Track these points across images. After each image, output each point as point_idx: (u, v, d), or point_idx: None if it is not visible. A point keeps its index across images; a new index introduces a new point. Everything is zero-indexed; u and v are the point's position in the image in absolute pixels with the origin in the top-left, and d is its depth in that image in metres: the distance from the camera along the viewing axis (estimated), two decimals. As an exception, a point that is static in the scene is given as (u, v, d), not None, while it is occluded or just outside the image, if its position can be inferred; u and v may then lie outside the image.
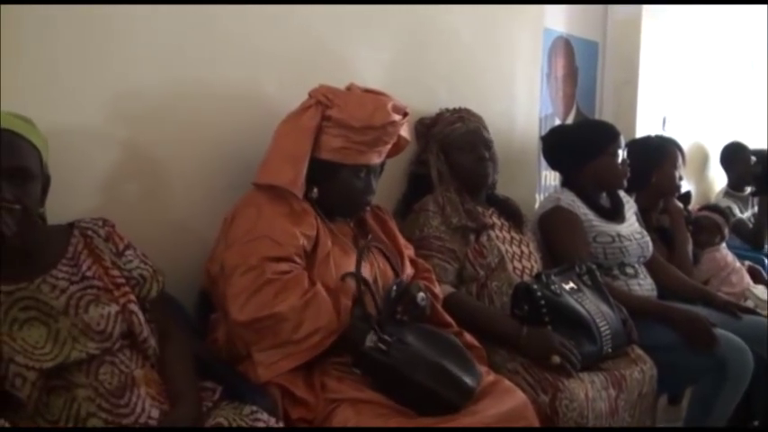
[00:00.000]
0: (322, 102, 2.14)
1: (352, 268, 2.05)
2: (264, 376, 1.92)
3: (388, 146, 2.21)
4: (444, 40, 3.01)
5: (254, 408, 1.77)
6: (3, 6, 1.84)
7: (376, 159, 2.19)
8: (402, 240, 2.37)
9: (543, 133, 3.32)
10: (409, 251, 2.38)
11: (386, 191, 2.63)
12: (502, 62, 3.31)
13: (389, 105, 2.14)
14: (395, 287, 2.06)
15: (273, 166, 2.12)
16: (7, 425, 1.49)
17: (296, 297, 1.94)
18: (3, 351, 1.57)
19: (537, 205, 3.32)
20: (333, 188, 2.16)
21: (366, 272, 2.08)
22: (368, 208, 2.30)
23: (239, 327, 1.94)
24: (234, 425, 1.70)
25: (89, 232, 1.82)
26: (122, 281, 1.79)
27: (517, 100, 3.41)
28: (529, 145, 3.52)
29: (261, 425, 1.73)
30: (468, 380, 1.94)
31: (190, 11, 2.20)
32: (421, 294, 2.09)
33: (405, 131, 2.29)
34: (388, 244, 2.29)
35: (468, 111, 2.83)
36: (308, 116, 2.13)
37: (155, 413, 1.69)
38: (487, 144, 2.75)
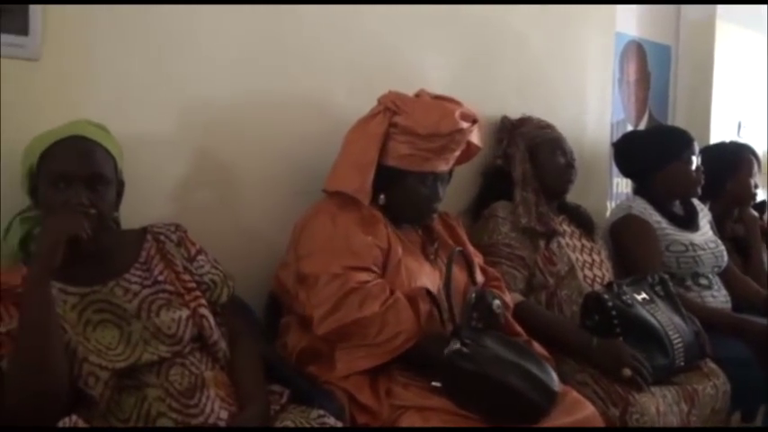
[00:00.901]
0: (390, 108, 2.14)
1: (423, 275, 2.05)
2: (342, 371, 1.95)
3: (456, 153, 2.20)
4: (513, 45, 2.98)
5: (322, 411, 1.78)
6: (79, 19, 1.91)
7: (443, 167, 2.17)
8: (471, 248, 2.35)
9: (615, 139, 3.27)
10: (478, 259, 2.35)
11: (458, 192, 2.62)
12: (572, 67, 3.27)
13: (457, 113, 2.12)
14: (474, 294, 2.03)
15: (341, 173, 2.13)
16: (81, 421, 1.52)
17: (378, 304, 1.95)
18: (77, 351, 1.62)
19: (608, 213, 3.27)
20: (399, 195, 2.15)
21: (438, 279, 2.07)
22: (435, 215, 2.28)
23: (324, 334, 1.97)
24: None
25: (162, 237, 1.86)
26: (193, 285, 1.82)
27: (588, 106, 3.36)
28: (600, 152, 3.46)
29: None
30: (550, 383, 1.92)
31: (260, 21, 2.23)
32: (497, 302, 2.07)
33: (476, 138, 2.26)
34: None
35: (550, 123, 2.82)
36: (376, 123, 2.14)
37: (224, 414, 1.71)
38: (572, 153, 2.74)
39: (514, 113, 2.85)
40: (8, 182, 1.79)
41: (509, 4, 2.91)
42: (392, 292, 1.99)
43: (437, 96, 2.22)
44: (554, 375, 1.99)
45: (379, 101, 2.19)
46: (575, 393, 2.04)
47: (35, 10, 1.85)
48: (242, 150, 2.22)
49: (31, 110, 1.85)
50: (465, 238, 2.37)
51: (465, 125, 2.13)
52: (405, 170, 2.13)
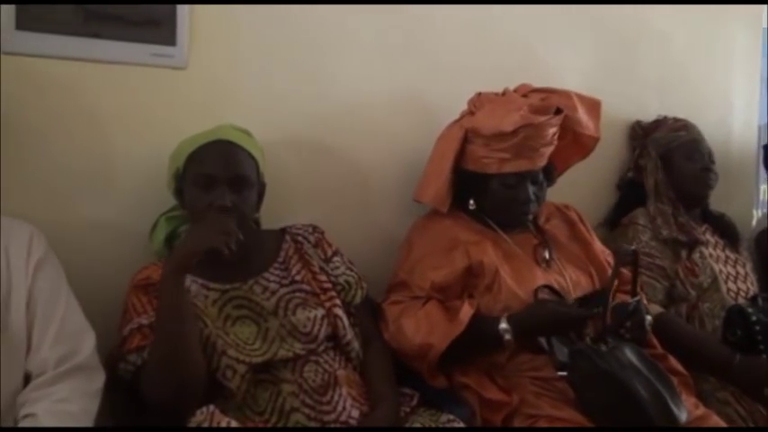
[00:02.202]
0: (471, 111, 2.11)
1: (535, 280, 1.98)
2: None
3: (544, 149, 2.04)
4: (654, 44, 2.86)
5: (452, 416, 1.78)
6: (224, 28, 2.01)
7: (527, 166, 2.02)
8: (598, 245, 2.23)
9: (763, 143, 3.09)
10: (606, 255, 2.22)
11: (594, 200, 2.57)
12: (717, 67, 3.11)
13: (526, 107, 2.00)
14: (633, 303, 1.96)
15: (423, 182, 2.13)
16: (217, 412, 1.58)
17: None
18: (216, 344, 1.69)
19: (754, 222, 3.10)
20: (485, 199, 2.08)
21: (555, 284, 2.01)
22: (531, 216, 2.13)
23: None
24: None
25: (299, 238, 1.92)
26: (329, 286, 1.86)
27: (734, 107, 3.19)
28: (747, 156, 3.28)
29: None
30: (678, 413, 1.82)
31: (398, 25, 2.26)
32: (649, 318, 1.99)
33: (591, 129, 2.15)
34: (575, 250, 2.18)
35: (687, 121, 2.68)
36: (457, 126, 2.10)
37: (355, 413, 1.74)
38: (711, 155, 2.60)
39: (654, 116, 2.74)
40: (155, 183, 1.89)
41: (650, 4, 2.80)
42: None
43: (534, 90, 2.12)
44: (685, 410, 1.87)
45: (467, 103, 2.15)
46: (715, 418, 1.95)
47: (182, 22, 1.96)
48: (379, 153, 2.26)
49: (178, 116, 1.95)
50: (590, 233, 2.24)
51: (540, 119, 1.99)
52: (484, 173, 2.06)
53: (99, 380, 1.59)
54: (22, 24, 1.80)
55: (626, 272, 2.11)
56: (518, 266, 2.03)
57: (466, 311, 1.89)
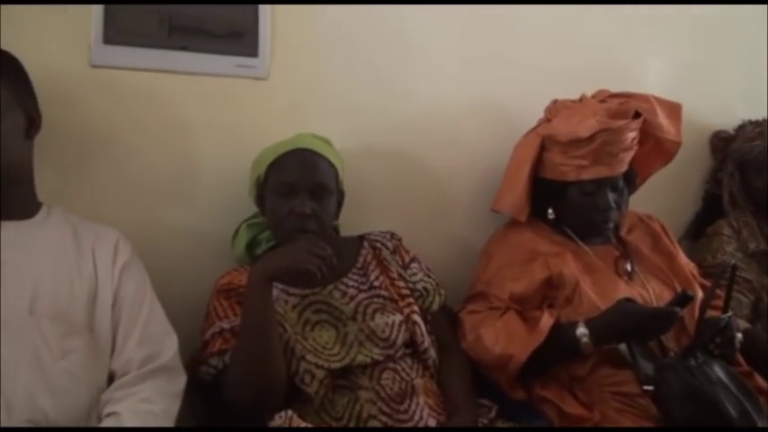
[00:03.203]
0: (547, 118, 2.08)
1: (617, 293, 1.92)
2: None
3: (626, 154, 1.99)
4: (742, 46, 2.76)
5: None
6: (306, 39, 2.05)
7: (606, 172, 1.97)
8: (683, 258, 2.16)
9: None
10: (691, 267, 2.16)
11: (676, 209, 2.51)
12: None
13: (602, 112, 1.96)
14: (725, 319, 1.90)
15: (500, 190, 2.10)
16: (295, 416, 1.59)
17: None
18: (295, 349, 1.70)
19: None
20: (565, 207, 2.04)
21: (638, 297, 1.95)
22: (611, 225, 2.07)
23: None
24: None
25: (378, 245, 1.93)
26: (407, 292, 1.86)
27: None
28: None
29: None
30: None
31: (480, 30, 2.26)
32: (739, 336, 1.93)
33: (672, 133, 2.08)
34: (658, 262, 2.11)
35: (765, 127, 2.56)
36: (534, 134, 2.07)
37: (432, 422, 1.72)
38: None
39: (739, 121, 2.65)
40: (238, 191, 1.93)
41: (738, 4, 2.72)
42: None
43: (612, 95, 2.07)
44: None
45: (544, 111, 2.12)
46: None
47: (265, 34, 2.00)
48: (456, 163, 2.25)
49: (260, 125, 1.99)
50: (674, 245, 2.18)
51: (617, 123, 1.94)
52: (563, 181, 2.01)
53: (180, 381, 1.62)
54: (109, 39, 1.87)
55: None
56: (599, 279, 1.99)
57: (546, 321, 1.86)
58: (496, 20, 2.29)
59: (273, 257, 1.68)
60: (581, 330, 1.83)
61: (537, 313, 1.92)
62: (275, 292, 1.74)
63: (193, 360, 1.72)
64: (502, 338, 1.87)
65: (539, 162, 2.05)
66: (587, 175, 1.97)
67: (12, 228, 1.56)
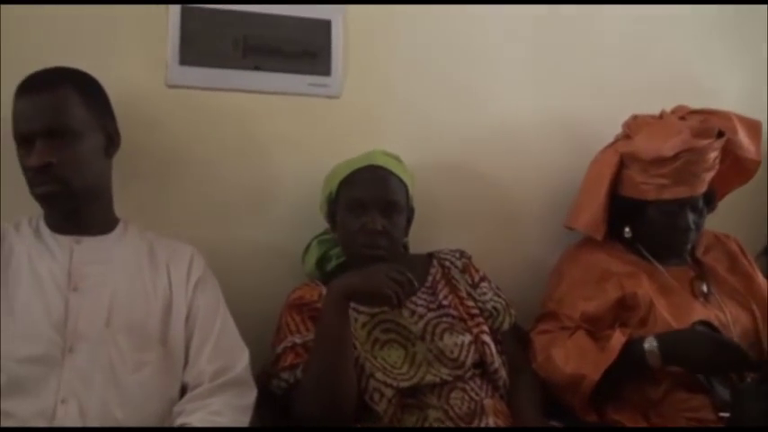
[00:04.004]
0: (627, 134, 2.03)
1: (692, 315, 1.87)
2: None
3: (708, 174, 1.95)
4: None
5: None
6: (377, 59, 2.07)
7: (687, 192, 1.93)
8: (761, 279, 2.08)
9: None
10: None
11: (753, 227, 2.42)
12: None
13: (687, 131, 1.91)
14: None
15: (574, 207, 2.07)
16: None
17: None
18: (365, 367, 1.70)
19: None
20: (643, 227, 2.00)
21: (714, 319, 1.89)
22: (690, 246, 2.03)
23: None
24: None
25: (447, 263, 1.92)
26: (476, 312, 1.85)
27: None
28: None
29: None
30: None
31: (549, 46, 2.25)
32: None
33: (752, 152, 2.03)
34: (735, 284, 2.04)
35: None
36: (612, 150, 2.03)
37: (501, 443, 1.70)
38: None
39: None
40: (311, 207, 1.95)
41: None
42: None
43: (692, 112, 2.02)
44: None
45: (622, 126, 2.08)
46: None
47: (337, 53, 2.03)
48: (527, 179, 2.23)
49: (333, 142, 2.01)
50: (752, 267, 2.11)
51: (702, 142, 1.90)
52: (642, 200, 1.97)
53: (251, 395, 1.63)
54: (185, 60, 1.92)
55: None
56: (675, 300, 1.94)
57: (618, 339, 1.82)
58: (571, 34, 2.27)
59: (353, 278, 1.68)
60: (649, 343, 1.79)
61: (608, 332, 1.88)
62: None
63: (264, 374, 1.74)
64: (573, 358, 1.84)
65: (617, 179, 2.01)
66: (668, 195, 1.94)
67: (91, 243, 1.62)
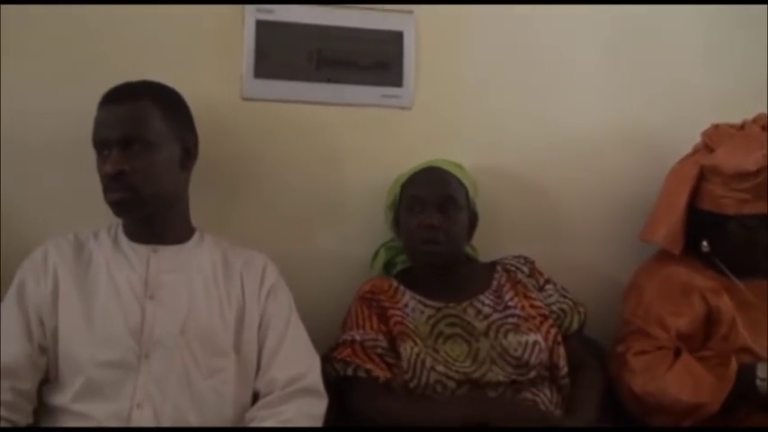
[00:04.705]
0: (707, 145, 1.96)
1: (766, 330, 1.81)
2: None
3: None
4: None
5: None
6: (448, 70, 2.07)
7: None
8: None
9: None
10: None
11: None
12: None
13: None
14: None
15: (651, 219, 2.00)
16: None
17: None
18: (425, 361, 1.71)
19: None
20: (721, 241, 1.92)
21: None
22: None
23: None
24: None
25: (511, 268, 1.91)
26: (545, 313, 1.83)
27: None
28: None
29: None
30: None
31: (621, 54, 2.21)
32: None
33: None
34: None
35: None
36: (691, 162, 1.96)
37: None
38: None
39: None
40: (381, 217, 1.97)
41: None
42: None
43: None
44: None
45: (701, 136, 2.00)
46: None
47: (409, 64, 2.05)
48: (599, 190, 2.19)
49: (404, 152, 2.00)
50: None
51: None
52: (722, 214, 1.90)
53: (322, 404, 1.64)
54: (259, 73, 1.97)
55: None
56: (754, 316, 1.87)
57: (733, 365, 1.76)
58: (645, 42, 2.22)
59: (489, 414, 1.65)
60: (762, 371, 1.74)
61: (705, 353, 1.83)
62: (412, 303, 1.81)
63: (324, 356, 1.76)
64: (688, 385, 1.78)
65: (695, 192, 1.95)
66: (749, 210, 1.87)
67: (167, 252, 1.66)
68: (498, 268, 1.91)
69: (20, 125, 1.83)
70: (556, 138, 2.15)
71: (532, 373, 1.73)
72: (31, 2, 1.86)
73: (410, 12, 2.05)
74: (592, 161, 2.18)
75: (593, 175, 2.18)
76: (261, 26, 1.96)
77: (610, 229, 2.18)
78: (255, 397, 1.62)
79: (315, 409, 1.61)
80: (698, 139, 2.03)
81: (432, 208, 1.79)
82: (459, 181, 1.85)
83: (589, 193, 2.18)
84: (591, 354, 1.91)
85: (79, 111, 1.66)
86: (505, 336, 1.76)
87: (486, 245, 1.98)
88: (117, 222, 1.68)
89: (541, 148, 2.14)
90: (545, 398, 1.73)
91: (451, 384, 1.68)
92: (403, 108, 2.05)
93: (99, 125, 1.60)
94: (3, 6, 1.84)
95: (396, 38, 2.04)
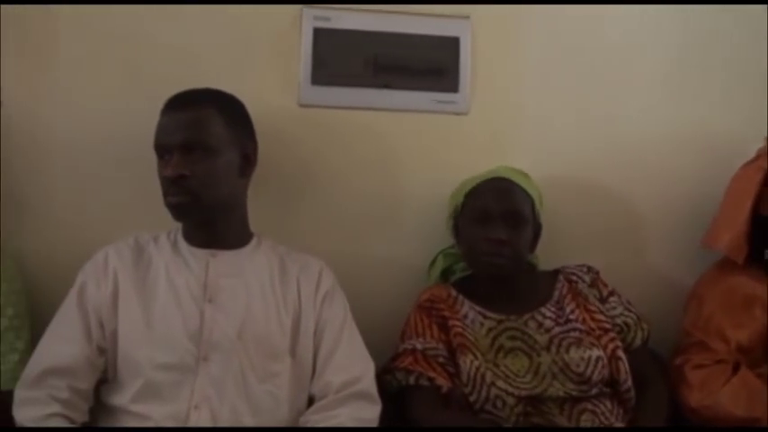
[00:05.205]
0: None
1: None
2: None
3: None
4: None
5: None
6: (505, 75, 2.06)
7: None
8: None
9: None
10: None
11: None
12: None
13: None
14: None
15: (714, 226, 1.96)
16: None
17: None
18: (485, 376, 1.69)
19: None
20: None
21: None
22: None
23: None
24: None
25: (574, 278, 1.88)
26: (608, 326, 1.79)
27: None
28: None
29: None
30: None
31: (683, 59, 2.17)
32: None
33: None
34: None
35: None
36: (755, 167, 1.92)
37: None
38: None
39: None
40: (438, 221, 1.96)
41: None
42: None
43: None
44: None
45: (766, 140, 1.96)
46: None
47: (465, 69, 2.04)
48: (660, 196, 2.14)
49: (460, 158, 2.01)
50: None
51: None
52: None
53: (376, 409, 1.64)
54: (316, 80, 1.99)
55: None
56: None
57: None
58: (709, 46, 2.17)
59: None
60: None
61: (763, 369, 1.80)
62: (472, 314, 1.79)
63: (384, 368, 1.76)
64: (743, 400, 1.76)
65: (760, 198, 1.91)
66: None
67: (226, 257, 1.68)
68: (561, 277, 1.88)
69: (81, 132, 1.89)
70: (616, 142, 2.12)
71: (594, 390, 1.70)
72: (87, 2, 1.89)
73: (467, 17, 2.04)
74: (654, 166, 2.14)
75: (655, 181, 2.14)
76: (318, 33, 1.98)
77: (673, 236, 2.14)
78: (311, 401, 1.63)
79: (368, 413, 1.61)
80: (762, 144, 1.98)
81: (497, 221, 1.77)
82: (525, 192, 1.83)
83: (652, 200, 2.14)
84: (655, 368, 1.86)
85: (141, 117, 1.70)
86: (567, 350, 1.73)
87: (545, 253, 1.94)
88: (177, 227, 1.71)
89: (600, 153, 2.11)
90: (605, 409, 1.70)
91: (511, 401, 1.66)
92: (459, 114, 2.04)
93: (161, 130, 1.64)
94: (53, 7, 1.88)
95: (452, 43, 2.04)
